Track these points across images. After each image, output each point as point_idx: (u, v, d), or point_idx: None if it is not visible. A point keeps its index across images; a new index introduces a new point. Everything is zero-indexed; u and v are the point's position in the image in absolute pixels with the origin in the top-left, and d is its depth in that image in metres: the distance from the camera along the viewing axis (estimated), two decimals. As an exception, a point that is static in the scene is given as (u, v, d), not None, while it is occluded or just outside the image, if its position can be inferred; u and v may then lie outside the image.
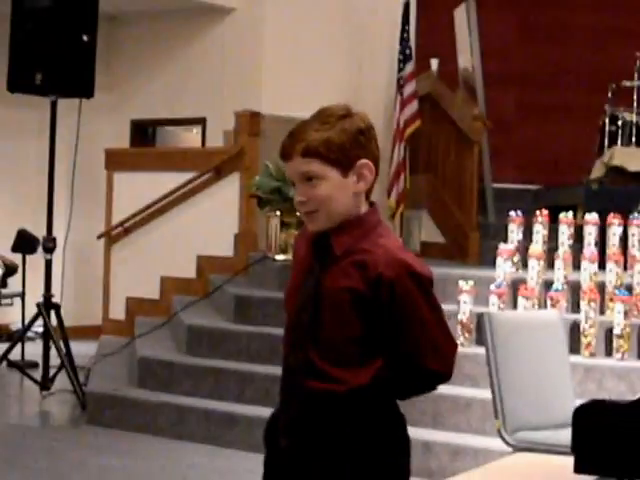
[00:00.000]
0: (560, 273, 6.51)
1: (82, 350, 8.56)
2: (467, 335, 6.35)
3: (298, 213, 2.58)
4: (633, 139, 8.88)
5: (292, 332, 2.54)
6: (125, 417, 6.91)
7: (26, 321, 8.36)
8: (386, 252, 2.44)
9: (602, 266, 6.50)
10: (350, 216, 2.48)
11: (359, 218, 2.49)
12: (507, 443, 4.36)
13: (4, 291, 9.90)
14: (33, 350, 8.73)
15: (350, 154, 2.44)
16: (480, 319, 4.68)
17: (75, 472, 5.82)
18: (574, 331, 6.14)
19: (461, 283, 6.42)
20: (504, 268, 6.69)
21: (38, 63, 7.60)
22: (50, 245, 7.88)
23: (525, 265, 6.77)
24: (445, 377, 2.51)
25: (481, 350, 5.09)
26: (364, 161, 2.46)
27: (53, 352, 7.71)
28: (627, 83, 9.02)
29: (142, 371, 7.30)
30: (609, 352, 6.11)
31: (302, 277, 2.55)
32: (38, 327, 8.39)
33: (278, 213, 8.18)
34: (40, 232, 8.23)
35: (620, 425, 3.01)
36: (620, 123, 8.92)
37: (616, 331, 6.00)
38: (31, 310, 8.04)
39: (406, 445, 2.54)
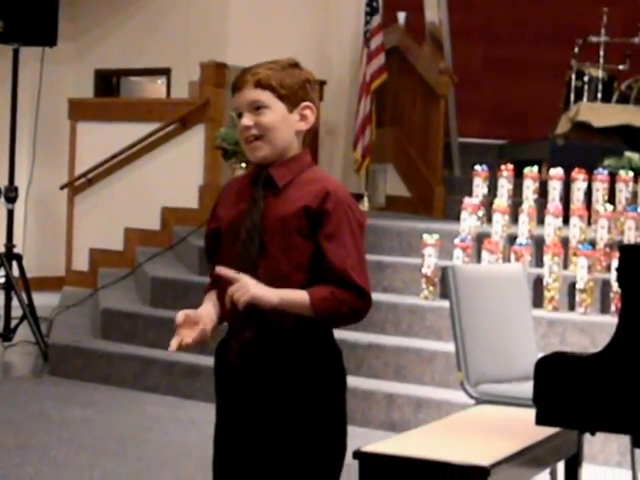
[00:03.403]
0: (524, 227, 6.53)
1: (44, 301, 8.51)
2: (431, 288, 6.37)
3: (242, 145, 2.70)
4: (599, 95, 8.89)
5: (239, 264, 2.62)
6: (88, 368, 6.89)
7: (-13, 272, 8.29)
8: (329, 182, 2.64)
9: (566, 221, 6.53)
10: (288, 153, 2.67)
11: (296, 156, 2.69)
12: (470, 395, 4.38)
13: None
14: (-6, 301, 8.67)
15: (297, 94, 2.66)
16: (444, 272, 4.68)
17: (37, 423, 5.80)
18: (537, 285, 6.17)
19: (426, 237, 6.42)
20: (469, 222, 6.70)
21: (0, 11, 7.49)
22: (12, 195, 7.81)
23: (490, 219, 6.79)
24: (367, 298, 2.59)
25: (445, 303, 5.11)
26: (308, 103, 2.68)
27: (15, 303, 7.66)
28: (594, 39, 9.01)
29: (105, 322, 7.27)
30: (572, 306, 6.15)
31: (240, 212, 2.66)
32: (-1, 278, 8.33)
33: (243, 165, 8.12)
34: (2, 182, 8.15)
35: (581, 377, 3.02)
36: (586, 79, 8.92)
37: (579, 285, 6.04)
38: (-8, 261, 7.96)
39: (343, 376, 2.71)
